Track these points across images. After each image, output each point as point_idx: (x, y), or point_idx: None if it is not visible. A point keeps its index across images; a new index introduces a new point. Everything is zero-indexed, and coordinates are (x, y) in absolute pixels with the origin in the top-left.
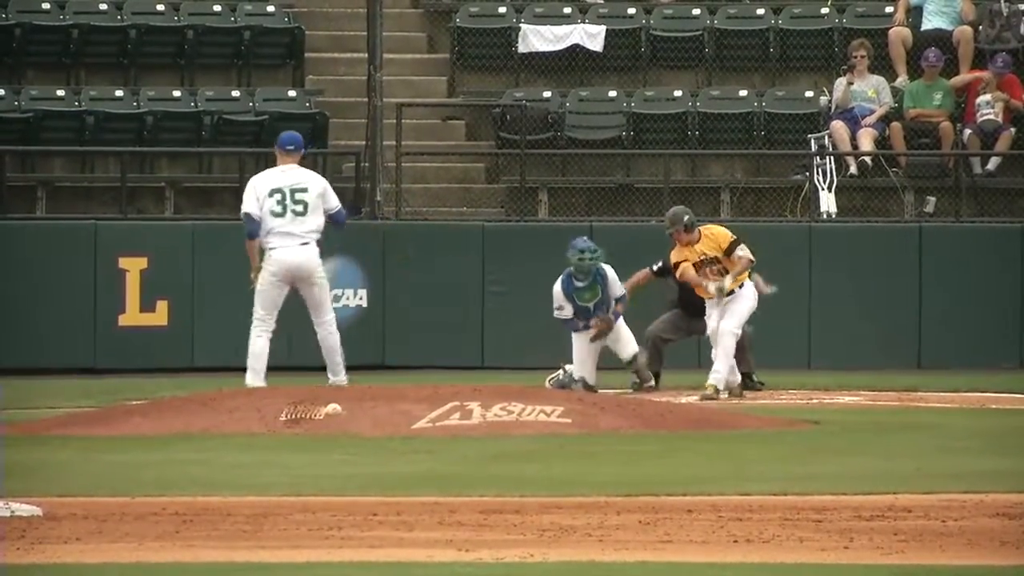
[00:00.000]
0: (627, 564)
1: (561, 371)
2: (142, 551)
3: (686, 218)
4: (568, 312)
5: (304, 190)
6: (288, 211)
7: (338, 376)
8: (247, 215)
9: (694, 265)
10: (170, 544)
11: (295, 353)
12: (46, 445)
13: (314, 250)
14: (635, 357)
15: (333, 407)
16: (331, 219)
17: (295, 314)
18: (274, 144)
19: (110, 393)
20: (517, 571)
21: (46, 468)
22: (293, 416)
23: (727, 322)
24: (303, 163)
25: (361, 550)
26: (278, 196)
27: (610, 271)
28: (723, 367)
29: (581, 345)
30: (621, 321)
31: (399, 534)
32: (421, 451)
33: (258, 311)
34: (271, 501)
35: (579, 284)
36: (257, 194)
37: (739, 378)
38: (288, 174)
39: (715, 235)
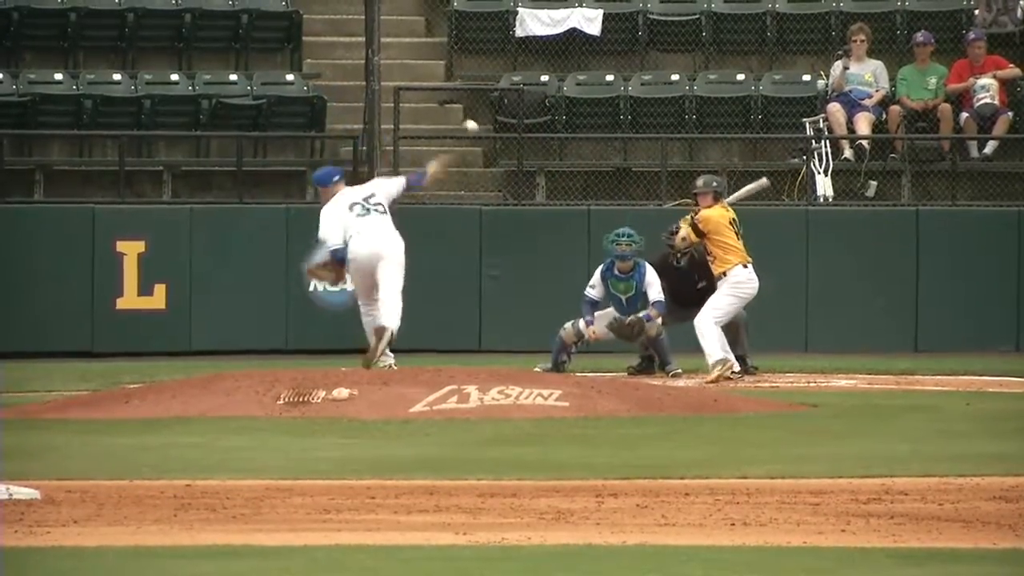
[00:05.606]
0: (624, 547)
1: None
2: (140, 534)
3: (715, 183)
4: (596, 294)
5: (372, 195)
6: (372, 212)
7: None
8: (332, 248)
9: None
10: (168, 527)
11: (293, 337)
12: (44, 428)
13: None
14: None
15: (339, 391)
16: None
17: (297, 301)
18: (314, 183)
19: (108, 377)
20: (515, 554)
21: (44, 451)
22: (291, 400)
23: (703, 312)
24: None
25: (359, 533)
26: (357, 209)
27: (650, 271)
28: (712, 350)
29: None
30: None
31: (397, 517)
32: (418, 435)
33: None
34: (269, 484)
35: (618, 274)
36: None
37: (732, 359)
38: (352, 191)
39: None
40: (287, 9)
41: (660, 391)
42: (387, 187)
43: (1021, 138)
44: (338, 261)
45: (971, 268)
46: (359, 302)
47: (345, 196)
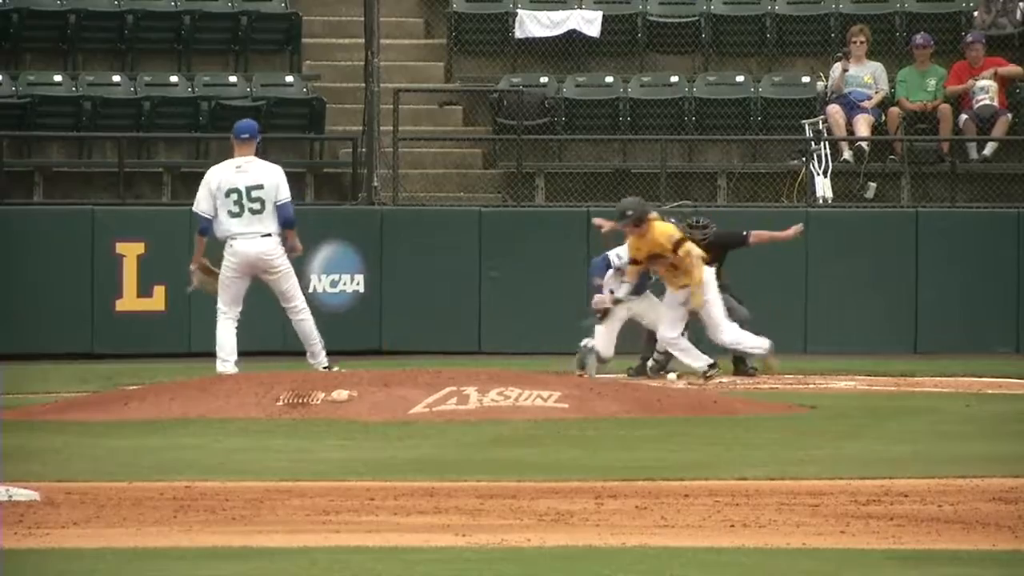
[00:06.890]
0: (624, 548)
1: (583, 345)
2: (140, 536)
3: (629, 212)
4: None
5: (260, 187)
6: (246, 211)
7: (317, 359)
8: (198, 215)
9: (647, 258)
10: (168, 529)
11: (291, 338)
12: (44, 430)
13: (274, 240)
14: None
15: (339, 392)
16: (278, 211)
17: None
18: (231, 132)
19: (107, 378)
20: (516, 555)
21: (44, 453)
22: (290, 401)
23: (662, 331)
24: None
25: (358, 535)
26: (235, 196)
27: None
28: (691, 358)
29: (610, 320)
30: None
31: (396, 519)
32: (418, 436)
33: (221, 305)
34: (268, 486)
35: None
36: (212, 193)
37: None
38: (245, 171)
39: (662, 232)
40: (286, 11)
41: (659, 393)
42: (279, 188)
43: (1020, 140)
44: (201, 233)
45: (970, 270)
46: (220, 307)
47: (235, 175)
